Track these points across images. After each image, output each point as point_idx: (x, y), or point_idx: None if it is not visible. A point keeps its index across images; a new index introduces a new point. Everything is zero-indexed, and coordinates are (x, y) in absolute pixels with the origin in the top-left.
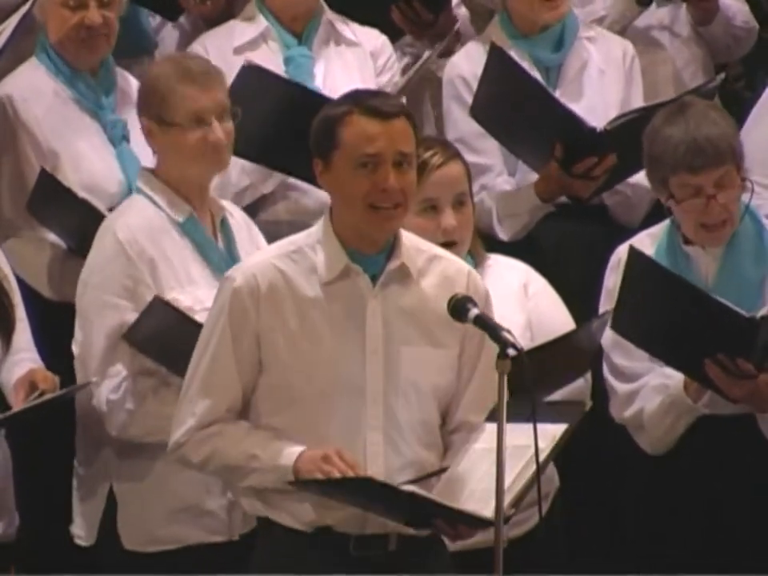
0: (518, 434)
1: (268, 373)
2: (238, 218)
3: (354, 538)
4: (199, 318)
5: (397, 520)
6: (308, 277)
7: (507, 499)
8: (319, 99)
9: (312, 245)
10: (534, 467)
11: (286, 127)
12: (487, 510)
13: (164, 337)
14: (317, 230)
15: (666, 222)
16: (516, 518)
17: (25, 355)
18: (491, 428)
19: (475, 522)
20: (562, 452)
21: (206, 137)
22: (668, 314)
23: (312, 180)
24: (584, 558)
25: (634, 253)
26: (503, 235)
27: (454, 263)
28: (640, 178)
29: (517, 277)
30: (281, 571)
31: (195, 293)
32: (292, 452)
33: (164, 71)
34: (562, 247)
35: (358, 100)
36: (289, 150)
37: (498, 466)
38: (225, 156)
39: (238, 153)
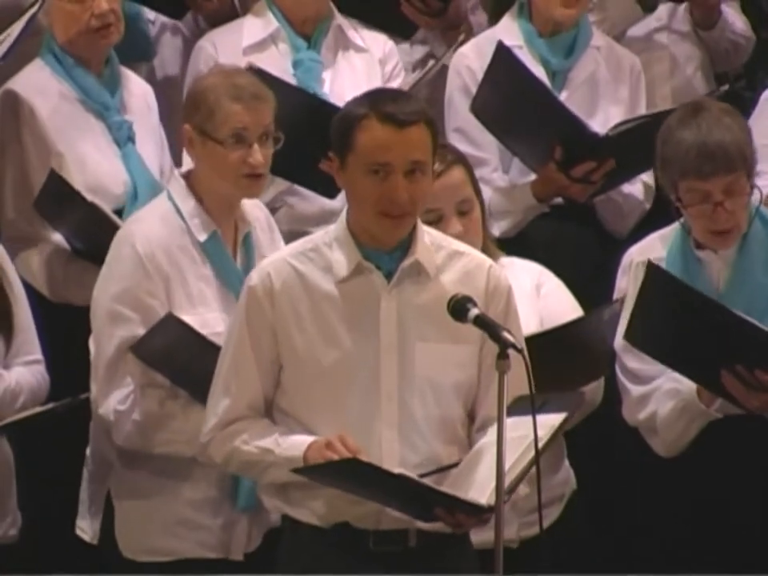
0: (520, 426)
1: (286, 369)
2: (262, 222)
3: (373, 534)
4: None
5: (401, 510)
6: (323, 274)
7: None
8: (323, 105)
9: (329, 243)
10: (531, 454)
11: (289, 133)
12: (483, 498)
13: (173, 354)
14: (334, 227)
15: (677, 225)
16: (529, 519)
17: (18, 360)
18: (508, 422)
19: (469, 509)
20: (574, 454)
21: (245, 158)
22: (685, 326)
23: (313, 187)
24: (596, 558)
25: (652, 267)
26: (495, 230)
27: (474, 258)
28: (634, 189)
29: (530, 278)
30: (303, 568)
31: (205, 315)
32: (303, 442)
33: (215, 84)
34: (553, 247)
35: (377, 103)
36: (291, 157)
37: (498, 464)
38: (260, 183)
39: None
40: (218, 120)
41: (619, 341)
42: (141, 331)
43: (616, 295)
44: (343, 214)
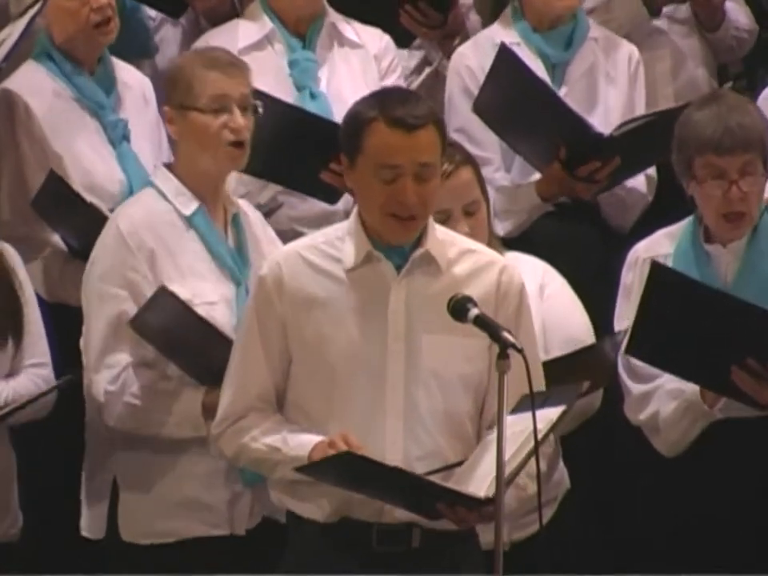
0: (521, 422)
1: (295, 359)
2: (253, 217)
3: (377, 533)
4: (200, 311)
5: (405, 507)
6: (333, 264)
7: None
8: (316, 120)
9: (342, 236)
10: (529, 446)
11: (285, 145)
12: (481, 491)
13: (167, 328)
14: (347, 222)
15: (687, 221)
16: (520, 522)
17: (25, 363)
18: (509, 419)
19: (467, 501)
20: (573, 454)
21: (226, 123)
22: (693, 325)
23: (315, 195)
24: (594, 558)
25: (656, 267)
26: (499, 230)
27: (486, 256)
28: (637, 183)
29: (533, 277)
30: (307, 568)
31: (197, 285)
32: (309, 442)
33: (191, 59)
34: (556, 245)
35: (385, 106)
36: (288, 166)
37: (497, 464)
38: (242, 153)
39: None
40: (198, 89)
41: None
42: (128, 307)
43: (620, 290)
44: (355, 210)
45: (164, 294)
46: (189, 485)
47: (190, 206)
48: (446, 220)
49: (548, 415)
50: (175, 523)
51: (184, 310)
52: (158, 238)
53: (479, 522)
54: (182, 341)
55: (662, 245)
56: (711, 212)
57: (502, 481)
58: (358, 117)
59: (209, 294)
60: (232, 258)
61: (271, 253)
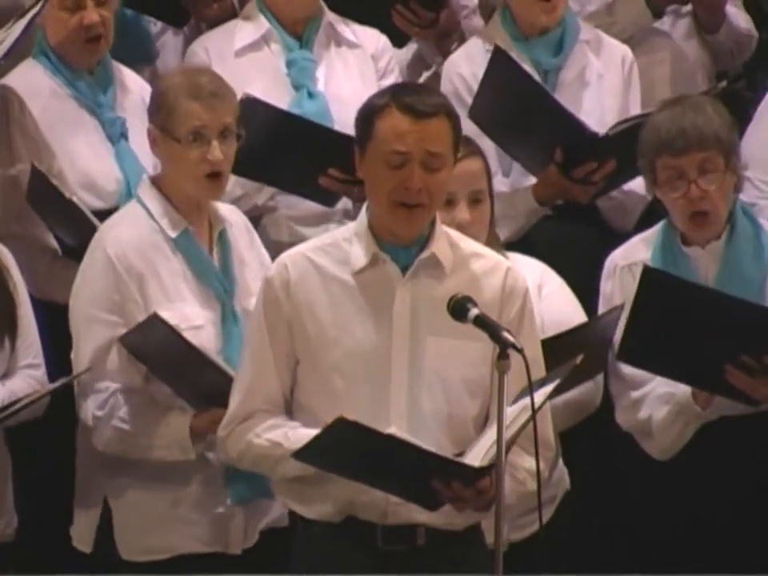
0: (517, 407)
1: (301, 361)
2: (239, 225)
3: (382, 531)
4: (187, 335)
5: (402, 493)
6: (340, 267)
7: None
8: (311, 126)
9: (348, 238)
10: (526, 415)
11: (283, 151)
12: (476, 462)
13: (157, 351)
14: (355, 224)
15: (660, 225)
16: (518, 522)
17: (20, 364)
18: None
19: (463, 473)
20: (574, 455)
21: (204, 156)
22: (686, 326)
23: (314, 198)
24: (590, 559)
25: (647, 271)
26: (499, 235)
27: (492, 260)
28: (635, 185)
29: (531, 278)
30: (312, 567)
31: (183, 310)
32: (308, 436)
33: (176, 83)
34: (556, 248)
35: (397, 94)
36: (286, 171)
37: (497, 467)
38: (220, 184)
39: (236, 172)
40: (177, 119)
41: (613, 347)
42: (118, 332)
43: (601, 300)
44: (363, 210)
45: (156, 321)
46: (177, 504)
47: (176, 227)
48: (448, 204)
49: (543, 391)
50: (169, 539)
51: (174, 336)
52: (146, 262)
53: (476, 502)
54: (172, 364)
55: (639, 250)
56: (677, 214)
57: (502, 482)
58: (371, 105)
59: (195, 318)
60: (218, 279)
61: (257, 265)
